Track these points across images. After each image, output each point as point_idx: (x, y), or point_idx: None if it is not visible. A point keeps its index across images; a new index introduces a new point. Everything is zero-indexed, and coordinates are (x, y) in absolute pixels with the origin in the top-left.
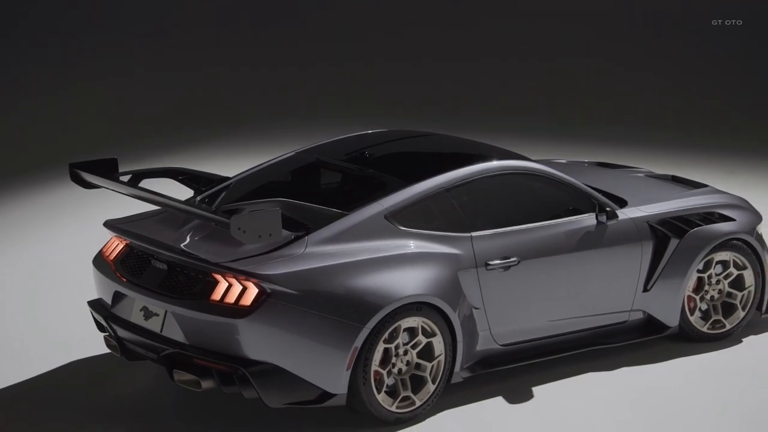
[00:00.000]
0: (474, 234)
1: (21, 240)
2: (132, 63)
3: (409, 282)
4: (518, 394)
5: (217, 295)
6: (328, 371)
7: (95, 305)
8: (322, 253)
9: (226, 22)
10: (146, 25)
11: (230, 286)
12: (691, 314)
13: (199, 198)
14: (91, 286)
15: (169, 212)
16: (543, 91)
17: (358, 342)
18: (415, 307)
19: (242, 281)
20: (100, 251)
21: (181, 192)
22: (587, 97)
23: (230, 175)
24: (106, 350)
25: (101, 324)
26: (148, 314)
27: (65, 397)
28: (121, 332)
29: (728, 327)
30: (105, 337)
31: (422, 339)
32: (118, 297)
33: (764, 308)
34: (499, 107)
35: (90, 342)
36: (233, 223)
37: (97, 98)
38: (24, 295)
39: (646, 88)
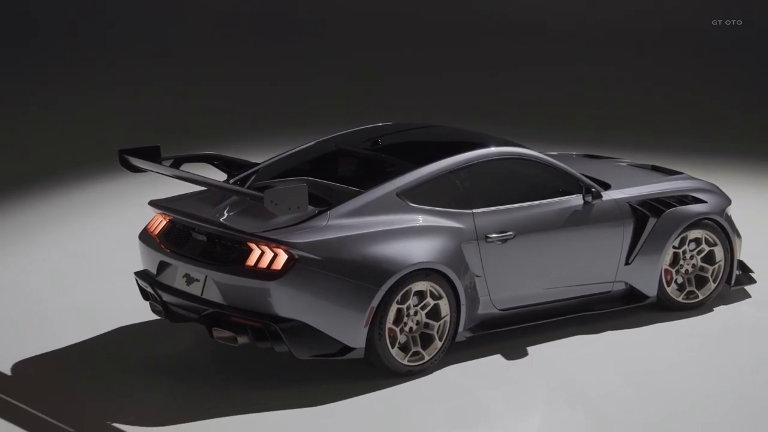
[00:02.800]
0: (475, 211)
1: (69, 225)
2: (173, 72)
3: (418, 251)
4: (514, 353)
5: (251, 261)
6: (348, 328)
7: (141, 275)
8: (343, 225)
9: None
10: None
11: (263, 253)
12: (668, 286)
13: (232, 180)
14: (134, 264)
15: (205, 192)
16: (541, 101)
17: (375, 302)
18: (424, 272)
19: (273, 249)
20: (145, 228)
21: (216, 176)
22: (586, 101)
23: (259, 161)
24: (150, 318)
25: (147, 292)
26: (190, 280)
27: (115, 357)
28: (166, 296)
29: (701, 297)
30: (150, 304)
31: (430, 301)
32: (162, 266)
33: (732, 281)
34: (497, 116)
35: (135, 311)
36: (266, 197)
37: (137, 103)
38: (75, 272)
39: (646, 89)
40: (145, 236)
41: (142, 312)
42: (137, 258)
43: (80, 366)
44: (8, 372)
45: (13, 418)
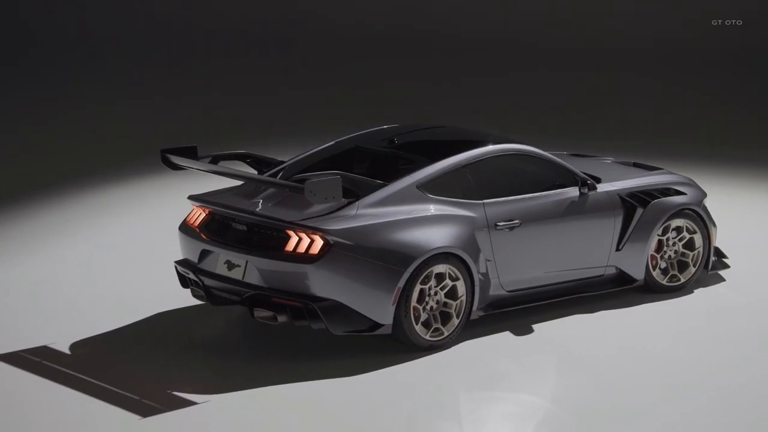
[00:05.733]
0: (485, 201)
1: (101, 221)
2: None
3: (438, 237)
4: (522, 329)
5: (290, 246)
6: (377, 306)
7: (182, 263)
8: (370, 214)
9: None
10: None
11: (300, 239)
12: (654, 270)
13: (263, 177)
14: (165, 256)
15: (239, 187)
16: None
17: (401, 283)
18: (444, 256)
19: (310, 235)
20: (184, 220)
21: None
22: (584, 103)
23: (284, 159)
24: (186, 305)
25: (187, 279)
26: (231, 266)
27: (155, 338)
28: (208, 282)
29: (682, 280)
30: (192, 289)
31: (449, 282)
32: (204, 254)
33: (709, 266)
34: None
35: (167, 299)
36: (307, 188)
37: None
38: (110, 264)
39: (645, 89)
40: (185, 228)
41: (174, 299)
42: (168, 250)
43: (128, 346)
44: (66, 351)
45: (84, 389)
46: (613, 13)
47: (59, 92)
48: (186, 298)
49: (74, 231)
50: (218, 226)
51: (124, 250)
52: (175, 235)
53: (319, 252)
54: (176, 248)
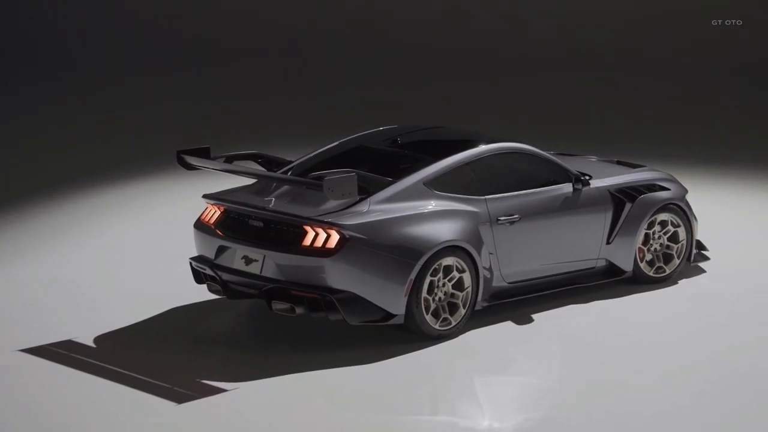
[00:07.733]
0: (487, 197)
1: (113, 218)
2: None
3: (446, 231)
4: (523, 319)
5: (307, 241)
6: (391, 297)
7: (198, 260)
8: (381, 209)
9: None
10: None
11: (317, 234)
12: (641, 262)
13: (281, 175)
14: (177, 254)
15: (252, 185)
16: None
17: (413, 275)
18: (451, 249)
19: (327, 230)
20: (199, 218)
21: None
22: (584, 104)
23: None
24: (195, 301)
25: (203, 274)
26: (248, 261)
27: (173, 332)
28: (226, 276)
29: (668, 272)
30: (208, 284)
31: (456, 274)
32: (220, 250)
33: (692, 259)
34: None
35: (182, 295)
36: (325, 184)
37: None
38: (117, 263)
39: (647, 90)
40: (201, 225)
41: (184, 295)
42: (174, 248)
43: (149, 340)
44: (91, 344)
45: (116, 378)
46: (611, 13)
47: (64, 96)
48: (194, 295)
49: (80, 232)
50: (234, 223)
51: (132, 250)
52: (182, 234)
53: (335, 246)
54: (180, 247)
